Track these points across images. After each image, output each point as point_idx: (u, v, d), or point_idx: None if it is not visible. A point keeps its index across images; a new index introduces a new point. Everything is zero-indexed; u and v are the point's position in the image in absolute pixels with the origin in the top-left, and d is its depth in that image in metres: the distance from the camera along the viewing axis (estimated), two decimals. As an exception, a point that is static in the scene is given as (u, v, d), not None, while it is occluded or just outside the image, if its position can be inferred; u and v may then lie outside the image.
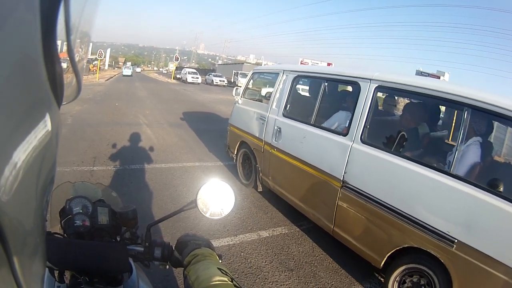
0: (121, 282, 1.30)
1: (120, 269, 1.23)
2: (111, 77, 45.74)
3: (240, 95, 6.39)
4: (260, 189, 5.75)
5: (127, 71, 60.53)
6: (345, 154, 3.72)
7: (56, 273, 1.25)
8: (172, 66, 61.51)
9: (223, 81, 45.50)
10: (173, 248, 1.32)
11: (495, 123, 3.29)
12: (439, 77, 49.22)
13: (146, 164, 7.25)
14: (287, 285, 3.61)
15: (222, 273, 0.99)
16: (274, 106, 5.22)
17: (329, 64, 43.76)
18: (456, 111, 3.20)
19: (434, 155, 3.34)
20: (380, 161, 3.41)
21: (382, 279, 3.71)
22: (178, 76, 54.55)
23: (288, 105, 5.00)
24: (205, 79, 49.31)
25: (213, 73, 53.56)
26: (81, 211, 1.37)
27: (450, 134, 3.19)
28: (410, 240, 3.15)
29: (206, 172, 6.96)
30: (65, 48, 0.46)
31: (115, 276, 1.29)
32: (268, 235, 4.65)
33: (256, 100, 6.05)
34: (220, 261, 1.19)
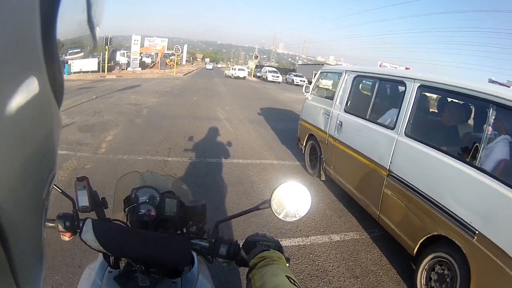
0: (181, 274, 1.40)
1: (180, 261, 1.30)
2: (189, 72, 48.42)
3: (310, 92, 7.41)
4: (323, 178, 6.56)
5: (208, 66, 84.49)
6: (391, 146, 4.37)
7: (111, 258, 1.39)
8: (251, 64, 63.43)
9: (304, 81, 44.78)
10: (240, 246, 1.35)
11: None
12: (509, 87, 47.19)
13: (223, 158, 7.52)
14: None
15: (291, 282, 0.98)
16: (337, 103, 6.08)
17: (407, 69, 42.73)
18: (487, 109, 3.49)
19: (465, 150, 3.70)
20: (419, 152, 3.98)
21: None
22: (258, 74, 56.04)
23: (349, 102, 5.82)
24: (286, 78, 50.19)
25: (293, 73, 54.36)
26: (147, 200, 1.45)
27: (483, 131, 3.65)
28: (439, 228, 3.56)
29: (283, 171, 7.10)
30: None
31: (175, 268, 1.40)
32: (339, 239, 4.75)
33: (323, 97, 6.94)
34: (287, 264, 1.18)
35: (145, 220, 1.41)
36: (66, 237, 1.36)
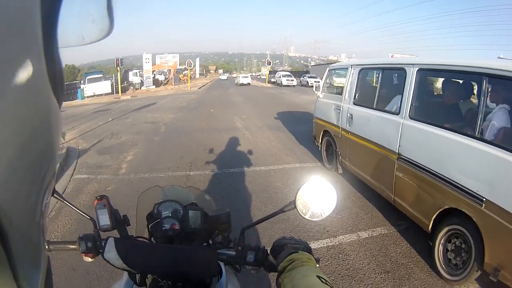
0: (209, 286, 1.38)
1: (207, 273, 1.30)
2: (204, 85, 48.58)
3: (320, 90, 7.80)
4: (340, 171, 6.89)
5: (223, 76, 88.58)
6: (398, 130, 4.66)
7: (137, 277, 1.37)
8: (265, 71, 64.18)
9: (318, 81, 44.98)
10: (268, 252, 1.34)
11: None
12: None
13: (245, 167, 7.59)
14: (381, 287, 3.79)
15: (322, 281, 0.97)
16: (346, 97, 6.42)
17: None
18: (480, 82, 3.74)
19: (466, 123, 4.02)
20: (424, 132, 4.27)
21: (475, 282, 3.79)
22: (272, 80, 56.16)
23: (357, 94, 6.17)
24: (300, 81, 50.49)
25: (307, 75, 54.50)
26: (170, 215, 1.45)
27: (479, 104, 3.87)
28: (450, 201, 3.80)
29: (306, 173, 6.90)
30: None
31: (202, 280, 1.37)
32: (367, 235, 4.81)
33: (333, 94, 7.32)
34: (318, 265, 1.17)
35: (170, 234, 1.41)
36: (89, 258, 1.37)
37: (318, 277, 0.99)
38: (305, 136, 10.32)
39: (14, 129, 0.32)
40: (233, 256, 1.34)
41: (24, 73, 0.32)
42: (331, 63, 11.08)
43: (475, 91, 4.13)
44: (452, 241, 3.91)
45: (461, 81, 4.59)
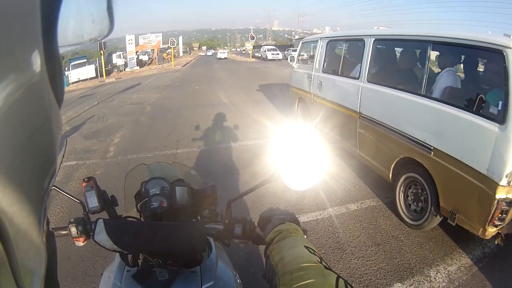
0: (200, 262, 1.41)
1: (196, 247, 1.28)
2: (188, 63, 48.04)
3: (295, 61, 8.57)
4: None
5: (209, 52, 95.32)
6: (358, 92, 5.35)
7: (129, 257, 1.40)
8: (249, 46, 64.12)
9: (303, 55, 45.37)
10: (255, 224, 1.32)
11: (461, 55, 4.58)
12: None
13: (232, 142, 7.72)
14: (373, 260, 3.80)
15: (310, 252, 0.97)
16: (317, 66, 7.16)
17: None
18: (427, 49, 4.39)
19: (415, 84, 4.60)
20: (379, 93, 4.95)
21: (463, 256, 3.95)
22: (256, 54, 56.50)
23: (325, 64, 6.91)
24: (285, 55, 50.78)
25: (291, 48, 54.54)
26: (158, 192, 1.45)
27: (425, 67, 4.39)
28: (404, 152, 4.43)
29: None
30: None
31: (193, 257, 1.39)
32: (356, 208, 4.88)
33: (306, 64, 8.09)
34: (305, 236, 1.17)
35: (158, 212, 1.42)
36: (81, 242, 1.38)
37: (306, 247, 1.00)
38: (291, 108, 10.42)
39: (14, 129, 0.32)
40: (221, 230, 1.34)
41: (24, 73, 0.33)
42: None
43: (421, 56, 4.79)
44: (411, 189, 4.50)
45: (408, 48, 5.24)
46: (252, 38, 55.13)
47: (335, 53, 6.98)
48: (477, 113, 3.53)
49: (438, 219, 4.10)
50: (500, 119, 3.29)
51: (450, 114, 3.78)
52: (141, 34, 50.70)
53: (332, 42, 7.07)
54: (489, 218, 3.39)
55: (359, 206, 4.91)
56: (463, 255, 3.91)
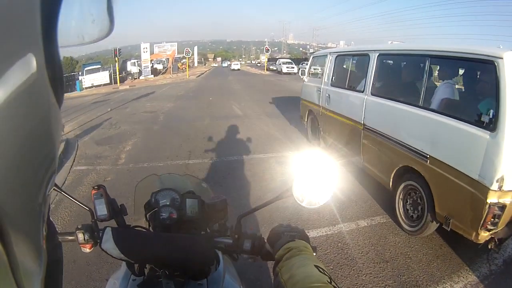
0: (207, 275, 1.40)
1: (204, 260, 1.30)
2: (202, 73, 48.19)
3: (306, 75, 8.99)
4: (322, 145, 7.92)
5: (224, 64, 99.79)
6: (363, 104, 5.67)
7: (135, 266, 1.40)
8: (263, 58, 64.39)
9: (317, 69, 44.90)
10: (265, 240, 1.33)
11: (460, 68, 4.87)
12: None
13: (244, 155, 7.70)
14: (380, 277, 3.79)
15: (320, 271, 0.97)
16: (325, 79, 7.51)
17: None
18: (426, 62, 4.70)
19: (414, 96, 4.81)
20: (381, 105, 5.26)
21: (470, 274, 3.95)
22: (271, 67, 55.84)
23: (333, 77, 7.27)
24: (299, 68, 50.76)
25: (305, 62, 55.06)
26: (168, 203, 1.48)
27: (424, 79, 4.66)
28: (403, 161, 4.69)
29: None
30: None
31: (201, 269, 1.39)
32: (366, 224, 4.88)
33: (316, 78, 8.44)
34: (315, 253, 1.18)
35: (168, 223, 1.44)
36: (87, 248, 1.38)
37: (316, 266, 0.99)
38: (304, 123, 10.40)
39: (14, 129, 0.32)
40: (230, 244, 1.35)
41: (24, 73, 0.33)
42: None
43: (421, 69, 4.97)
44: (410, 196, 4.74)
45: (410, 62, 5.53)
46: (267, 50, 55.43)
47: (343, 68, 7.35)
48: (470, 122, 3.76)
49: (435, 225, 4.30)
50: (491, 126, 3.50)
51: (445, 124, 4.03)
52: (156, 43, 50.97)
53: (340, 57, 7.40)
54: (481, 222, 3.55)
55: (369, 223, 4.93)
56: (470, 273, 3.93)
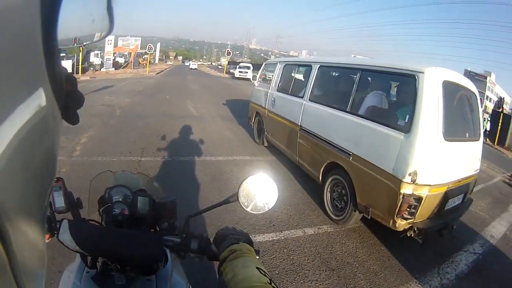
0: (156, 271, 1.46)
1: (154, 258, 1.35)
2: (162, 71, 47.21)
3: (257, 80, 9.88)
4: (265, 144, 8.95)
5: (186, 63, 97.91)
6: (301, 108, 6.54)
7: (88, 259, 1.44)
8: (223, 61, 64.37)
9: (267, 74, 43.25)
10: (211, 241, 1.39)
11: (385, 82, 5.49)
12: (486, 77, 52.37)
13: (196, 156, 7.80)
14: (326, 285, 3.84)
15: (261, 273, 1.03)
16: (273, 85, 8.37)
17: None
18: (357, 74, 5.55)
19: (343, 103, 5.58)
20: (316, 109, 6.13)
21: (418, 286, 4.09)
22: (231, 70, 55.31)
23: (279, 83, 8.14)
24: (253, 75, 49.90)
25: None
26: (120, 200, 1.53)
27: (354, 89, 5.48)
28: (331, 157, 5.47)
29: (257, 166, 7.55)
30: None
31: (149, 265, 1.44)
32: (313, 232, 4.96)
33: (265, 83, 9.25)
34: (257, 257, 1.23)
35: (119, 219, 1.48)
36: (45, 238, 0.93)
37: (258, 268, 1.05)
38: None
39: (13, 130, 0.32)
40: (177, 243, 1.39)
41: (24, 73, 0.34)
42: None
43: (351, 80, 5.83)
44: (336, 188, 5.49)
45: (343, 74, 6.43)
46: (228, 54, 55.15)
47: (289, 75, 8.23)
48: (389, 125, 4.54)
49: (358, 214, 5.01)
50: (405, 129, 4.24)
51: (368, 126, 4.83)
52: (121, 36, 49.93)
53: (288, 66, 8.28)
54: (397, 211, 4.16)
55: (316, 231, 5.03)
56: (419, 286, 4.09)
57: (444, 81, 4.34)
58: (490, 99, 51.83)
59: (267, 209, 1.37)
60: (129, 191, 1.56)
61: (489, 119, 24.38)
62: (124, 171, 1.84)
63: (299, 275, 3.94)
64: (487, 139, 23.61)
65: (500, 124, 23.58)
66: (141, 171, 5.44)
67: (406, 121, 4.32)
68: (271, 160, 8.28)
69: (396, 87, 5.40)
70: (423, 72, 4.27)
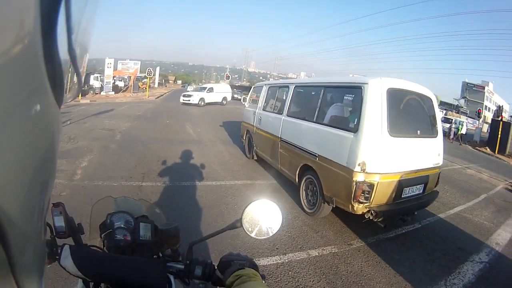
0: None
1: (157, 285, 1.32)
2: (161, 95, 48.74)
3: (247, 102, 11.25)
4: (255, 158, 10.31)
5: (189, 88, 79.50)
6: (280, 123, 7.93)
7: (91, 285, 1.43)
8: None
9: (253, 97, 40.91)
10: (215, 267, 1.41)
11: (343, 94, 6.35)
12: (483, 87, 52.72)
13: (197, 181, 7.88)
14: None
15: None
16: (259, 105, 9.76)
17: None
18: (321, 91, 6.68)
19: (311, 115, 6.71)
20: (292, 123, 7.47)
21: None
22: (235, 96, 52.15)
23: (264, 104, 9.55)
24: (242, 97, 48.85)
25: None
26: (122, 225, 1.55)
27: (319, 103, 6.62)
28: (303, 161, 6.58)
29: (258, 191, 7.64)
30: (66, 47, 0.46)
31: None
32: (317, 254, 4.94)
33: (254, 104, 10.53)
34: (264, 281, 1.24)
35: (121, 245, 1.50)
36: (46, 263, 1.28)
37: None
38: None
39: (14, 131, 0.33)
40: (181, 270, 1.41)
41: (24, 74, 0.34)
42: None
43: (318, 96, 6.90)
44: (310, 186, 6.49)
45: (312, 91, 7.56)
46: (227, 77, 55.76)
47: (272, 96, 9.44)
48: (343, 128, 5.59)
49: (327, 206, 5.92)
50: (354, 129, 5.24)
51: (328, 131, 5.94)
52: (121, 59, 49.57)
53: (272, 88, 9.55)
54: (352, 196, 5.02)
55: (320, 252, 5.03)
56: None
57: (389, 88, 5.27)
58: (489, 109, 52.17)
59: (271, 234, 1.43)
60: (130, 217, 1.60)
61: (465, 124, 27.18)
62: (125, 197, 1.84)
63: (304, 297, 4.06)
64: (488, 148, 24.87)
65: (500, 132, 24.14)
66: (142, 196, 5.98)
67: (355, 123, 5.28)
68: (272, 184, 8.43)
69: (350, 98, 6.11)
70: (367, 83, 5.25)
